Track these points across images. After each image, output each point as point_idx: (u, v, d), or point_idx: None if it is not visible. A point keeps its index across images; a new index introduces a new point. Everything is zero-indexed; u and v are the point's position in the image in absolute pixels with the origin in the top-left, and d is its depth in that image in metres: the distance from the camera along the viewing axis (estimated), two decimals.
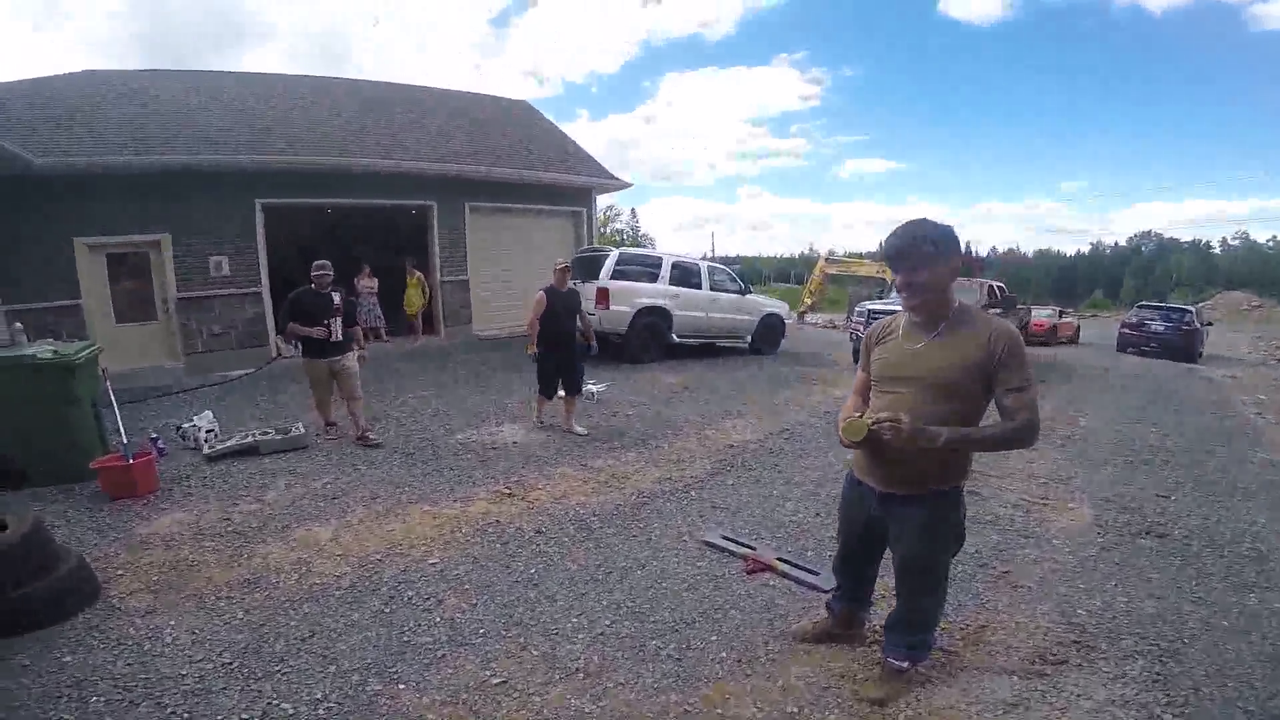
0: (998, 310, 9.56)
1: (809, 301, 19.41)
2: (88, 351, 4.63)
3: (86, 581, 2.84)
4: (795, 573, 3.12)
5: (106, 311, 8.64)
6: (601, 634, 2.63)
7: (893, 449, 1.91)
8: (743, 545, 3.42)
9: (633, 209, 73.48)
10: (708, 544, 3.45)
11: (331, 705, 2.16)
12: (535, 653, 2.49)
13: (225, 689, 2.24)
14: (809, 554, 3.35)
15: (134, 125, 9.16)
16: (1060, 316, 17.72)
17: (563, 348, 5.58)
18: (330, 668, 2.37)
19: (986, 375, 1.89)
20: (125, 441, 4.37)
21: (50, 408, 4.24)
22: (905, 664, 2.25)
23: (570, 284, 5.72)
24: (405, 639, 2.56)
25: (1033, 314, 15.31)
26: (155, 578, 3.03)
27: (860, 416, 1.94)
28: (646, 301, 9.14)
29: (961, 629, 2.69)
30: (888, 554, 2.26)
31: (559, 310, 5.50)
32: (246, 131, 9.93)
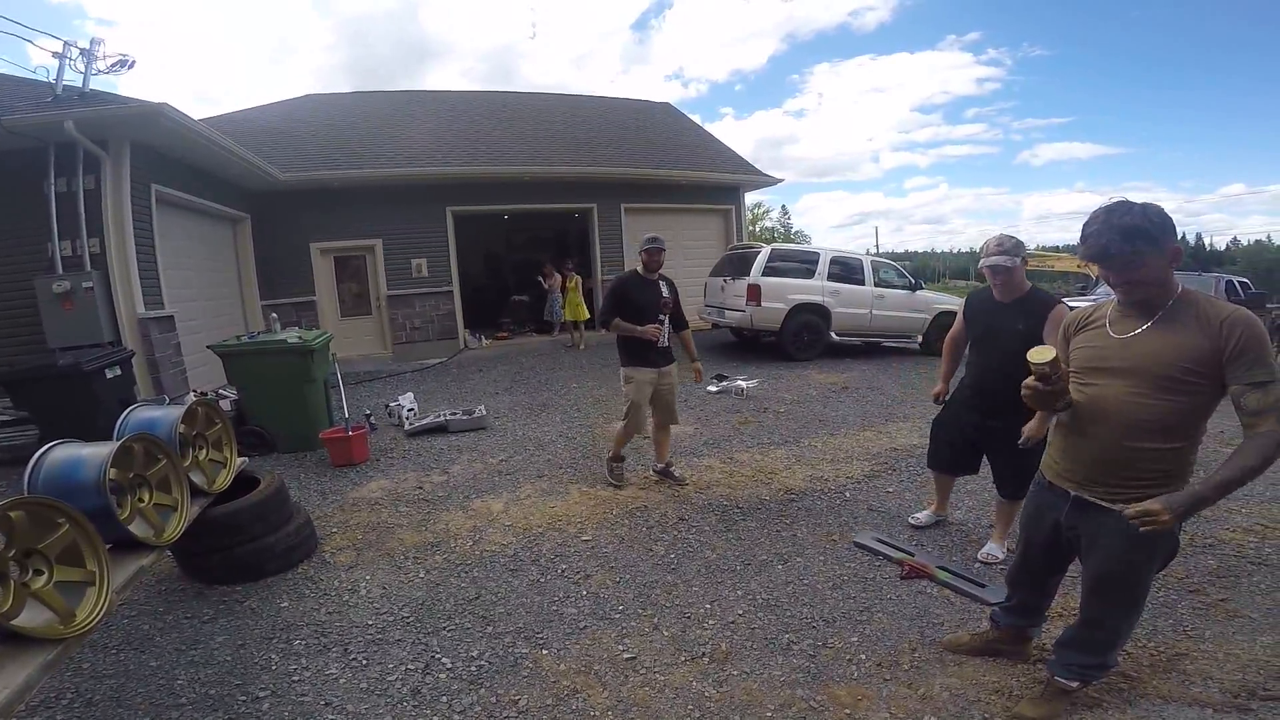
0: None
1: None
2: (323, 338, 5.57)
3: (310, 538, 3.39)
4: (957, 583, 2.85)
5: (334, 306, 10.40)
6: (733, 622, 2.63)
7: (1095, 444, 1.74)
8: (899, 550, 3.19)
9: (783, 206, 71.25)
10: (859, 545, 3.28)
11: (484, 664, 2.39)
12: (666, 633, 2.56)
13: (399, 640, 2.57)
14: (976, 566, 3.05)
15: (348, 142, 10.85)
16: None
17: (997, 397, 2.85)
18: (488, 629, 2.63)
19: (1215, 368, 1.59)
20: (347, 416, 5.25)
21: (294, 386, 5.16)
22: (1075, 684, 1.98)
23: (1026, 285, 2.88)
24: (554, 608, 2.77)
25: None
26: (359, 536, 3.57)
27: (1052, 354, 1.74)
28: (801, 298, 8.81)
29: (1151, 655, 2.33)
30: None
31: (997, 327, 2.90)
32: (436, 145, 11.31)
